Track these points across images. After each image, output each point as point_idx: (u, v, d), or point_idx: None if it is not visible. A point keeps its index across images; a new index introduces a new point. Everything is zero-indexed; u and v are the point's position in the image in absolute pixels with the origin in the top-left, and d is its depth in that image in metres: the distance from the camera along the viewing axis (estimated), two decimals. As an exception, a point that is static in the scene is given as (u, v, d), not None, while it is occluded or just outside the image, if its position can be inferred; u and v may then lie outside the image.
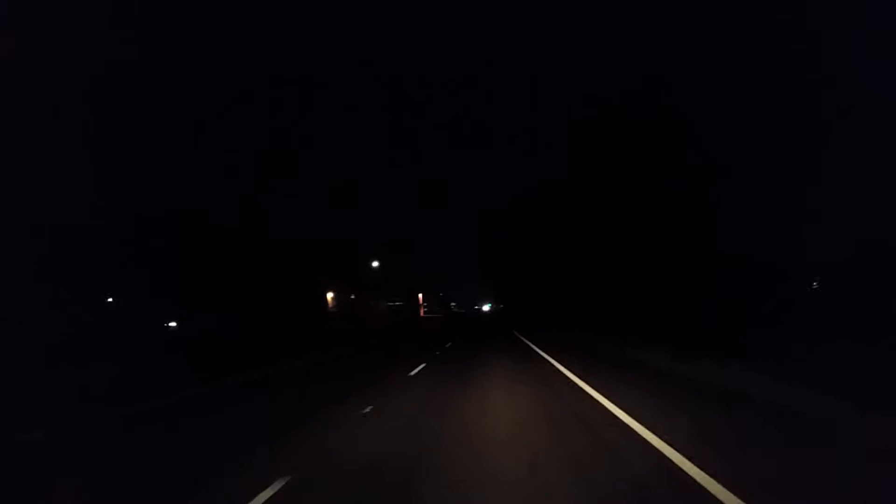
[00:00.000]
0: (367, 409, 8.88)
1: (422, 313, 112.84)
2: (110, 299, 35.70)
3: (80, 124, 30.63)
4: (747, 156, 19.27)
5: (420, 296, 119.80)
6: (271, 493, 5.02)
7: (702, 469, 5.09)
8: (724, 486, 4.64)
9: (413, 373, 13.93)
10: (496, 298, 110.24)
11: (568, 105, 31.92)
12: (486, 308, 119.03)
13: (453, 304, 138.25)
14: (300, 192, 49.69)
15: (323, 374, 14.96)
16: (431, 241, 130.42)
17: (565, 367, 13.92)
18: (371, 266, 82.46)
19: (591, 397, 9.36)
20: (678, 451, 5.70)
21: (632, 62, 24.06)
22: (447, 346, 23.93)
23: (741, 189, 19.69)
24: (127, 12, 31.60)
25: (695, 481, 4.84)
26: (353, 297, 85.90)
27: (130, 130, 34.05)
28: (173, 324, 38.24)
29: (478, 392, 10.47)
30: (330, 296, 78.39)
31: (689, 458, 5.42)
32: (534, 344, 22.78)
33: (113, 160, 32.83)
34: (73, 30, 29.79)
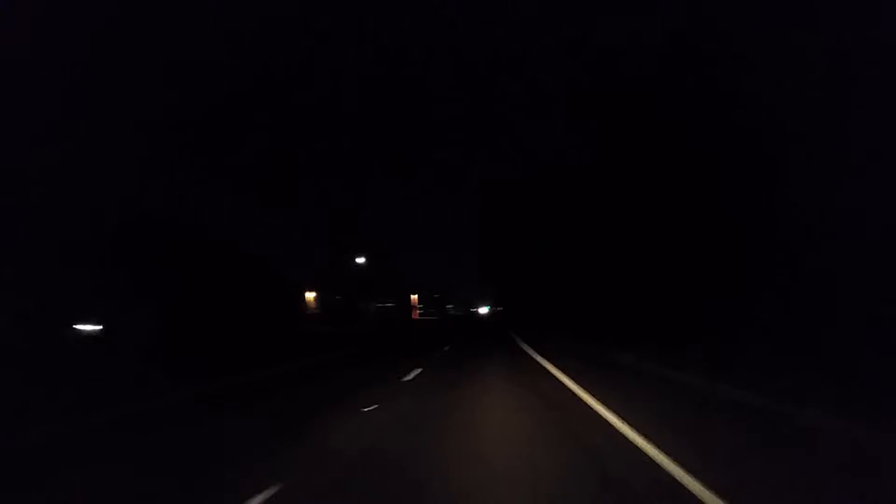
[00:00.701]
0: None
1: (415, 315, 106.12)
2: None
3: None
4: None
5: (414, 297, 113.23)
6: None
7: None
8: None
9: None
10: (495, 300, 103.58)
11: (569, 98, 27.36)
12: (483, 311, 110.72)
13: (450, 306, 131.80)
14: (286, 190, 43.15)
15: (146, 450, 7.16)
16: (430, 242, 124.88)
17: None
18: (357, 264, 75.49)
19: None
20: None
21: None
22: (413, 375, 14.21)
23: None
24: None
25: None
26: (337, 297, 78.79)
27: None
28: (89, 327, 30.31)
29: None
30: (311, 296, 71.28)
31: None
32: (561, 371, 15.13)
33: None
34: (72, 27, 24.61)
